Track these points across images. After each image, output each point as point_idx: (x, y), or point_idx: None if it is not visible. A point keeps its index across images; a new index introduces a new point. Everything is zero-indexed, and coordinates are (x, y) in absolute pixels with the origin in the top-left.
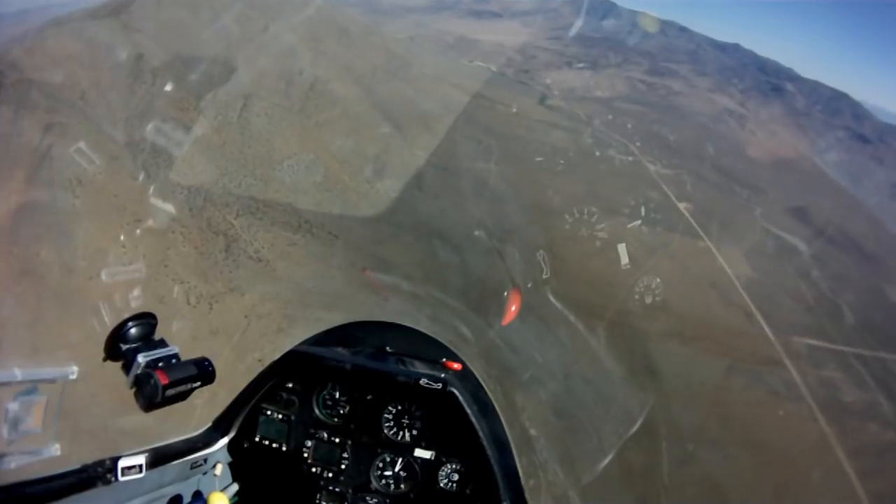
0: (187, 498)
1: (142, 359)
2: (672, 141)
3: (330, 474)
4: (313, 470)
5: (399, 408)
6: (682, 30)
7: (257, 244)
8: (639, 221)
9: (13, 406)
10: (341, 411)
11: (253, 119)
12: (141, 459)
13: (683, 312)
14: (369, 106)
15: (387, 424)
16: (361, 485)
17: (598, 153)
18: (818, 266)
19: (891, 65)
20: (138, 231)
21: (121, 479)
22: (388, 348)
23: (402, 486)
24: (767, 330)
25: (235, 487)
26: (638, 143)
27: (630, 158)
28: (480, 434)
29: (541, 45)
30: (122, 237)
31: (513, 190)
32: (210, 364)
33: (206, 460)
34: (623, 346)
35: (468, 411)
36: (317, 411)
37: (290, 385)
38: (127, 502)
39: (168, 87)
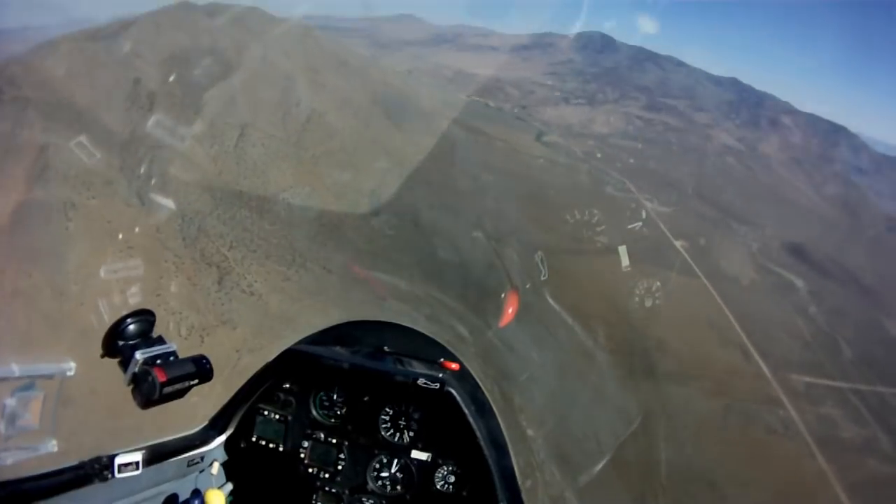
0: (184, 495)
1: (140, 356)
2: (669, 177)
3: (326, 475)
4: (310, 470)
5: (396, 409)
6: (680, 64)
7: (251, 277)
8: (634, 260)
9: (10, 402)
10: (338, 412)
11: (249, 149)
12: (138, 457)
13: (680, 352)
14: (366, 140)
15: (384, 426)
16: (358, 486)
17: (594, 190)
18: (815, 301)
19: (889, 95)
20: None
21: (117, 476)
22: (385, 348)
23: (399, 487)
24: (765, 368)
25: (231, 486)
26: (634, 180)
27: (626, 195)
28: (478, 434)
29: (538, 81)
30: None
31: (510, 226)
32: (208, 362)
33: (202, 458)
34: (619, 389)
35: (466, 411)
36: (314, 412)
37: (288, 385)
38: (123, 499)
39: (165, 114)
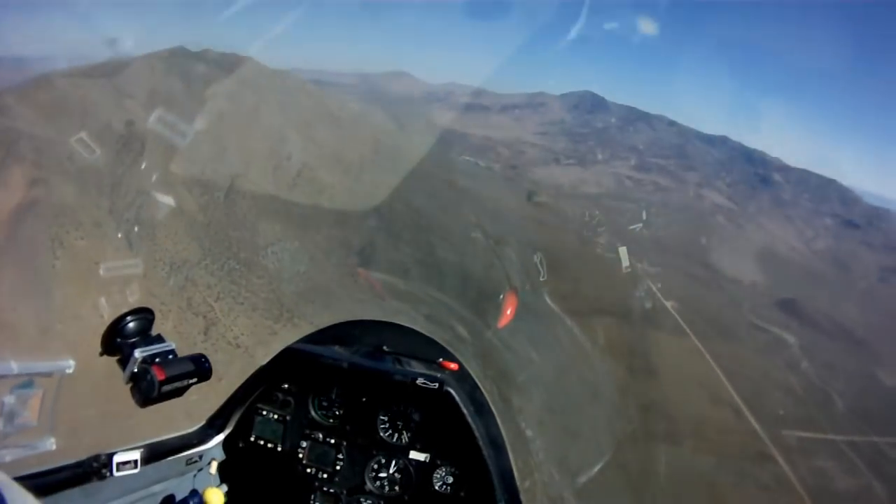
0: (182, 494)
1: (139, 354)
2: (659, 238)
3: (325, 475)
4: (308, 470)
5: (395, 409)
6: (671, 123)
7: (237, 329)
8: (625, 320)
9: (9, 399)
10: (337, 412)
11: (239, 200)
12: (136, 455)
13: (672, 413)
14: (357, 197)
15: (382, 426)
16: (356, 486)
17: (583, 251)
18: (807, 356)
19: (879, 146)
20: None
21: (116, 474)
22: (384, 347)
23: (397, 487)
24: (756, 425)
25: (229, 485)
26: (624, 241)
27: (616, 256)
28: (476, 435)
29: (529, 141)
30: (100, 306)
31: (499, 288)
32: (207, 361)
33: (201, 457)
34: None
35: (464, 411)
36: (312, 412)
37: (286, 385)
38: (122, 497)
39: (156, 158)
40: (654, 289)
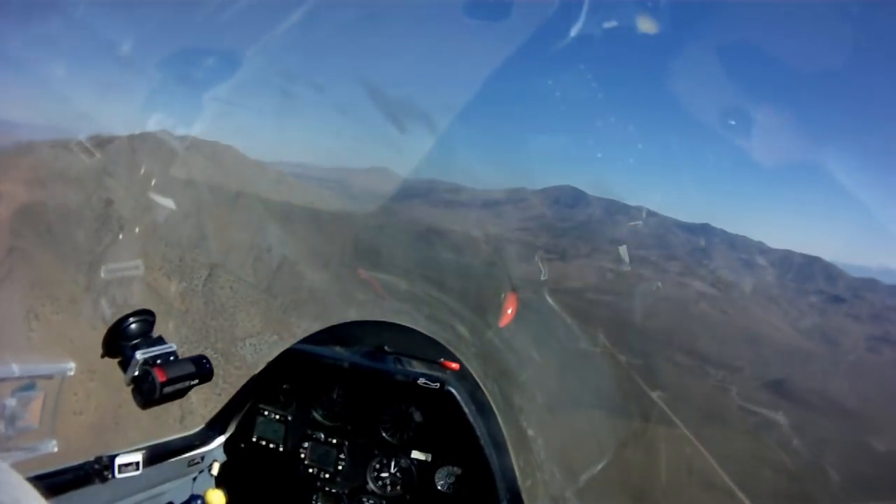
0: (184, 496)
1: (140, 356)
2: (643, 329)
3: (326, 475)
4: (310, 471)
5: (396, 409)
6: (651, 214)
7: None
8: (610, 413)
9: (10, 402)
10: (338, 412)
11: (218, 290)
12: (138, 457)
13: (660, 502)
14: (336, 293)
15: (384, 426)
16: (358, 486)
17: (566, 347)
18: (798, 434)
19: (861, 220)
20: (92, 382)
21: (118, 476)
22: (385, 348)
23: (399, 487)
24: None
25: (231, 486)
26: (608, 334)
27: (600, 349)
28: (478, 434)
29: (510, 237)
30: (74, 386)
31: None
32: (208, 362)
33: (202, 458)
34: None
35: (466, 411)
36: (314, 413)
37: (288, 386)
38: (124, 499)
39: (135, 240)
40: (639, 380)
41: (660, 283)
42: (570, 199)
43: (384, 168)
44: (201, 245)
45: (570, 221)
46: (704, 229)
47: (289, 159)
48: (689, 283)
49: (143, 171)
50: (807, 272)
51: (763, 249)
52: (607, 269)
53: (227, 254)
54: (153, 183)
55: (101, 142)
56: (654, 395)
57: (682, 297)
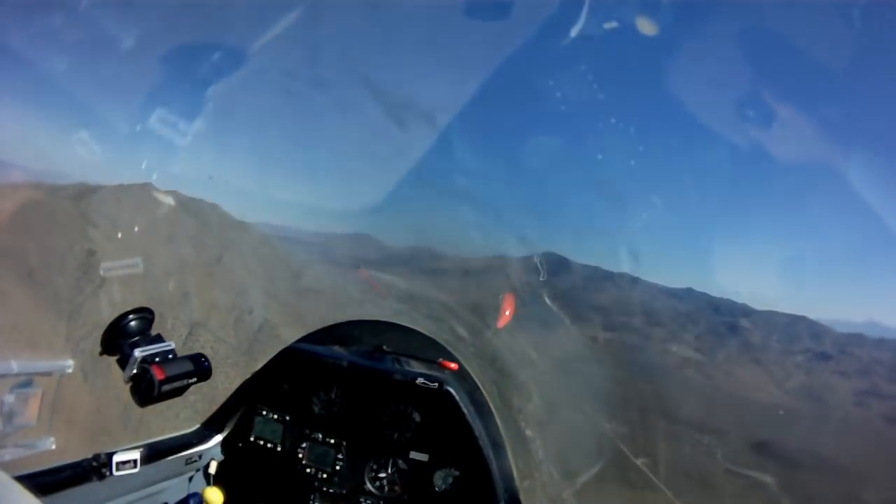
0: (182, 494)
1: (138, 353)
2: (628, 397)
3: (324, 475)
4: (308, 471)
5: (395, 409)
6: (634, 280)
7: None
8: (592, 482)
9: (9, 398)
10: (337, 412)
11: (198, 350)
12: (136, 455)
13: None
14: None
15: (382, 426)
16: (356, 486)
17: (549, 417)
18: (788, 494)
19: (844, 274)
20: (70, 432)
21: (115, 473)
22: (384, 347)
23: (397, 488)
24: None
25: (229, 485)
26: (592, 403)
27: (584, 419)
28: (476, 434)
29: (492, 304)
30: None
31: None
32: (206, 360)
33: (200, 457)
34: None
35: (464, 411)
36: (312, 412)
37: (286, 385)
38: (122, 497)
39: (116, 293)
40: (623, 447)
41: (644, 349)
42: (554, 266)
43: (367, 235)
44: (183, 303)
45: (554, 289)
46: (688, 294)
47: (273, 221)
48: (673, 349)
49: (126, 223)
50: (792, 332)
51: (747, 312)
52: (590, 337)
53: (209, 313)
54: (136, 237)
55: (87, 190)
56: (639, 461)
57: (666, 363)
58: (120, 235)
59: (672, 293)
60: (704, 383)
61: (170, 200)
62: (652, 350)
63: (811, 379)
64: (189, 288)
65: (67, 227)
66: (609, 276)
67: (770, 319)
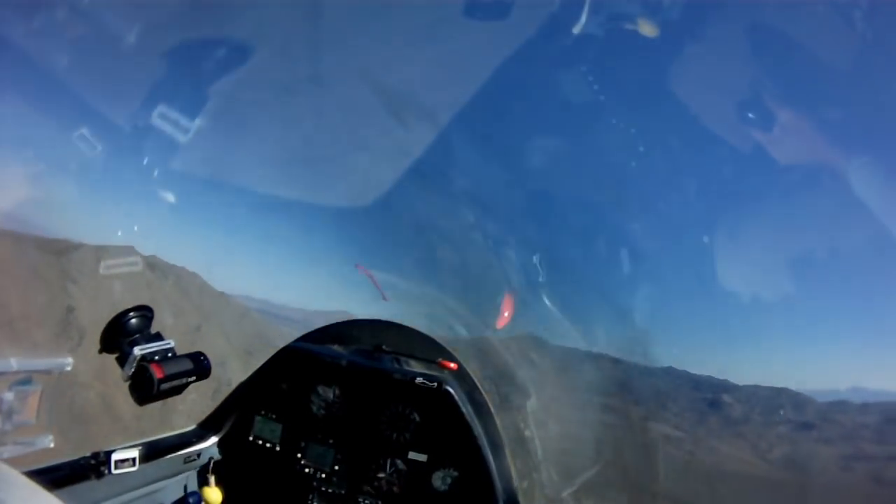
0: (180, 493)
1: (138, 352)
2: (607, 476)
3: (323, 475)
4: (306, 471)
5: (394, 409)
6: (615, 361)
7: None
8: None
9: (7, 396)
10: (336, 411)
11: (175, 418)
12: (134, 453)
13: None
14: None
15: (381, 426)
16: (354, 487)
17: (531, 493)
18: None
19: (825, 345)
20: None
21: (114, 472)
22: (383, 347)
23: (395, 487)
24: None
25: (227, 484)
26: (572, 482)
27: (561, 494)
28: (475, 434)
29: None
30: None
31: None
32: (206, 358)
33: (199, 456)
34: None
35: (463, 411)
36: (311, 412)
37: (285, 385)
38: (120, 495)
39: (92, 353)
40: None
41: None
42: (532, 347)
43: (345, 311)
44: None
45: (530, 370)
46: (668, 372)
47: (254, 294)
48: (652, 428)
49: (106, 284)
50: (774, 404)
51: (728, 387)
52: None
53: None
54: (115, 299)
55: (68, 247)
56: None
57: (646, 442)
58: (99, 295)
59: (651, 372)
60: (686, 459)
61: (150, 266)
62: (630, 429)
63: (795, 449)
64: None
65: (48, 280)
66: (589, 357)
67: (752, 393)
